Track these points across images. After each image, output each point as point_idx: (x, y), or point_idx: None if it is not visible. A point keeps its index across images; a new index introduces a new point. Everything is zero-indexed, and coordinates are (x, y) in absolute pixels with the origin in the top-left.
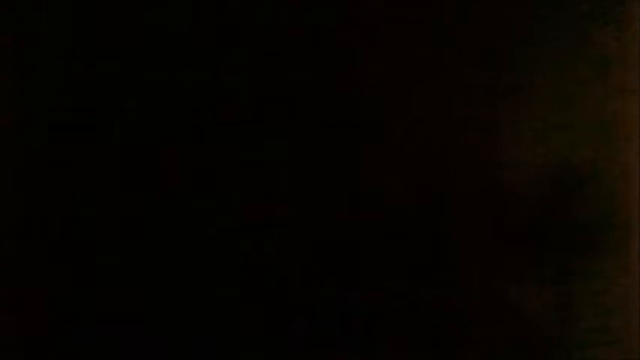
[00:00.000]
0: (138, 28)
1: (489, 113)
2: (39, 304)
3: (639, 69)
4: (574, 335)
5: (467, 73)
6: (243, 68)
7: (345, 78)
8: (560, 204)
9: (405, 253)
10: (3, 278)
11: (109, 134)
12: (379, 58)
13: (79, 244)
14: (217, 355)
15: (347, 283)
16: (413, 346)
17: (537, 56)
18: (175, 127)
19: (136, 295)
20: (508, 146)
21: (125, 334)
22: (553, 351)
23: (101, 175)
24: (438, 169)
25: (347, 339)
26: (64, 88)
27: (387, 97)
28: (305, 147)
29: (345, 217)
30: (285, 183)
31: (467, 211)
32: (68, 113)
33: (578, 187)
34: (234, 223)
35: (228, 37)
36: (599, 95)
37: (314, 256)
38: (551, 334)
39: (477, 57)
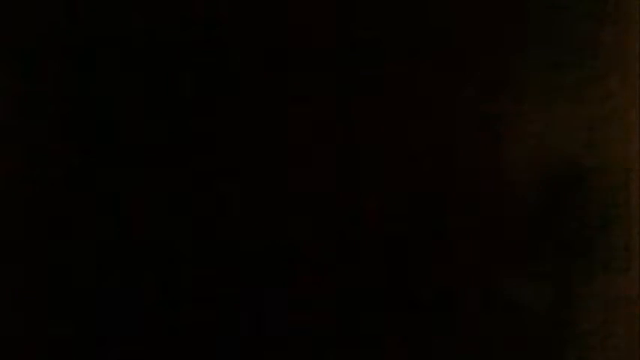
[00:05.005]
0: None
1: (488, 113)
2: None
3: (639, 69)
4: (573, 335)
5: (465, 73)
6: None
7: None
8: (560, 203)
9: (403, 252)
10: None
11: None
12: (377, 59)
13: (80, 241)
14: (216, 353)
15: (345, 281)
16: (411, 345)
17: (536, 55)
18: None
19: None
20: (507, 146)
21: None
22: (552, 351)
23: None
24: (437, 169)
25: (346, 338)
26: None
27: (384, 97)
28: (303, 147)
29: (344, 216)
30: (283, 182)
31: (465, 209)
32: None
33: (578, 187)
34: (233, 222)
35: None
36: (598, 95)
37: (313, 254)
38: (551, 334)
39: (475, 56)
